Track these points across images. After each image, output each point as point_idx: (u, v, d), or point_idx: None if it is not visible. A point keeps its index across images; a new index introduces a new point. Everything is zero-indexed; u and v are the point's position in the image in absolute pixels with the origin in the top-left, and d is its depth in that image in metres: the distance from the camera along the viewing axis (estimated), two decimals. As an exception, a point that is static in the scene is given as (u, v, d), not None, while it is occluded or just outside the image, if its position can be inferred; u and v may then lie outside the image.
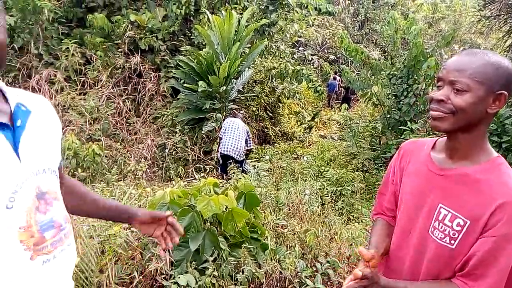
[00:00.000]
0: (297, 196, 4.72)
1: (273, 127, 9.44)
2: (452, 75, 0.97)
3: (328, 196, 5.21)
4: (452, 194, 1.02)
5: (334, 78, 13.03)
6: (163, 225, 1.32)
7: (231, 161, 5.65)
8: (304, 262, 2.88)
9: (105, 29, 6.75)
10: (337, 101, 14.10)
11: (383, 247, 1.18)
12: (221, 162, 5.81)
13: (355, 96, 13.75)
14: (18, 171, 0.89)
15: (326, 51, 14.94)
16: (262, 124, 9.08)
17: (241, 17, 6.35)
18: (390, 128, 7.27)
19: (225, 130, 5.71)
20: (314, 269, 2.88)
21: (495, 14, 6.91)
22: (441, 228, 1.01)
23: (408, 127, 6.56)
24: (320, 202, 4.81)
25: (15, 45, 6.30)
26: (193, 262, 2.42)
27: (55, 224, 0.97)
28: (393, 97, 7.11)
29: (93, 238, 2.45)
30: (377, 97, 7.17)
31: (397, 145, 6.83)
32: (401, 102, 6.91)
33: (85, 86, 6.61)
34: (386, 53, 13.22)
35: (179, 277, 2.25)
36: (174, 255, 2.45)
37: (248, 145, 5.94)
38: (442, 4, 14.47)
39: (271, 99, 9.12)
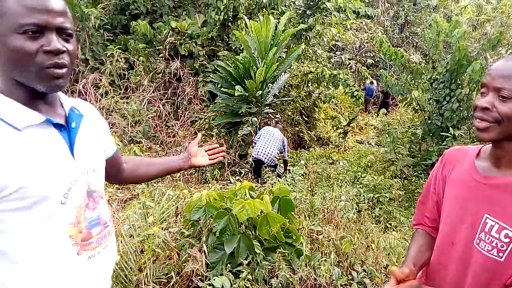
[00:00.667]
0: (332, 202, 4.67)
1: (309, 131, 9.38)
2: (497, 82, 0.92)
3: (364, 203, 5.10)
4: (498, 204, 0.97)
5: (371, 83, 12.75)
6: (205, 154, 1.62)
7: (264, 165, 5.67)
8: (339, 269, 2.84)
9: (148, 35, 7.00)
10: (374, 106, 13.78)
11: (421, 262, 1.13)
12: (253, 166, 5.84)
13: (393, 101, 13.42)
14: (72, 169, 0.95)
15: (363, 55, 14.66)
16: (298, 129, 9.04)
17: (278, 22, 6.38)
18: (431, 135, 7.02)
19: (260, 136, 5.73)
20: (350, 277, 2.83)
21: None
22: (488, 239, 0.97)
23: (451, 133, 6.31)
24: (356, 209, 4.72)
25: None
26: (228, 265, 2.45)
27: (101, 221, 1.03)
28: (435, 102, 6.87)
29: (133, 237, 2.54)
30: (417, 102, 6.95)
31: (438, 152, 6.57)
32: (443, 108, 6.66)
33: (128, 90, 6.87)
34: (428, 57, 12.79)
35: (214, 279, 2.28)
36: (209, 257, 2.50)
37: (284, 155, 5.87)
38: (488, 6, 13.78)
39: (307, 103, 9.07)
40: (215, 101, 7.00)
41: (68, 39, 0.92)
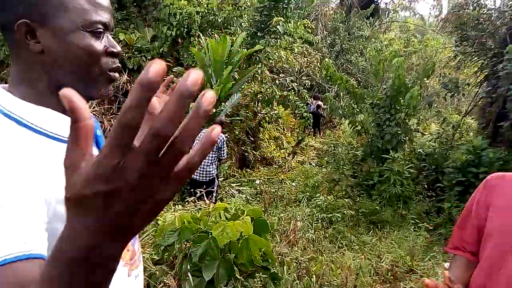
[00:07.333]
0: (288, 223, 4.68)
1: (253, 151, 9.44)
2: None
3: (318, 222, 5.19)
4: None
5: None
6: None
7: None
8: (312, 292, 2.81)
9: (93, 46, 6.59)
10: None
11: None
12: (190, 185, 5.26)
13: (330, 123, 14.10)
14: None
15: (302, 78, 15.26)
16: (243, 148, 9.06)
17: (234, 42, 6.41)
18: (372, 156, 7.43)
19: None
20: (323, 299, 2.82)
21: (471, 51, 7.37)
22: None
23: (391, 155, 6.74)
24: (312, 229, 4.79)
25: None
26: (207, 293, 2.30)
27: (136, 238, 0.93)
28: (376, 126, 7.32)
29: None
30: (362, 125, 7.35)
31: (379, 173, 6.98)
32: (384, 131, 7.11)
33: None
34: (361, 83, 13.68)
35: (195, 309, 2.12)
36: (185, 286, 2.32)
37: (222, 154, 5.38)
38: (415, 39, 15.27)
39: (253, 123, 9.15)
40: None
41: None
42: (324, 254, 3.81)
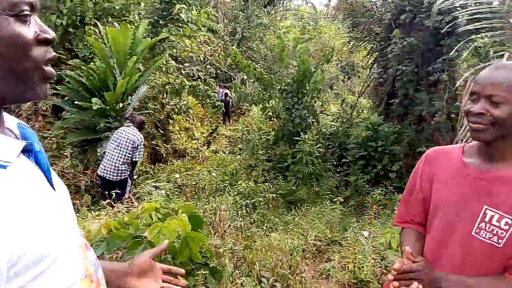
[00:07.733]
0: (214, 214, 4.63)
1: (165, 144, 9.12)
2: (488, 89, 1.04)
3: (243, 209, 5.23)
4: (497, 196, 1.08)
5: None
6: (158, 275, 1.00)
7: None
8: (250, 279, 2.82)
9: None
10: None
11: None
12: (101, 184, 5.00)
13: (239, 110, 14.28)
14: (61, 206, 0.71)
15: (208, 67, 15.12)
16: (154, 142, 8.69)
17: (136, 31, 5.99)
18: (284, 139, 7.72)
19: (109, 143, 4.98)
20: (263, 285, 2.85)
21: (362, 36, 8.05)
22: (489, 228, 1.08)
23: (302, 137, 7.08)
24: (238, 216, 4.81)
25: None
26: (148, 301, 2.14)
27: (97, 262, 0.80)
28: (286, 110, 7.60)
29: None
30: (273, 111, 7.55)
31: (292, 154, 7.30)
32: (293, 114, 7.42)
33: None
34: (265, 70, 14.10)
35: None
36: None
37: (136, 156, 4.99)
38: (310, 26, 16.16)
39: (161, 115, 8.81)
40: (63, 116, 6.07)
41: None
42: (256, 240, 3.85)
